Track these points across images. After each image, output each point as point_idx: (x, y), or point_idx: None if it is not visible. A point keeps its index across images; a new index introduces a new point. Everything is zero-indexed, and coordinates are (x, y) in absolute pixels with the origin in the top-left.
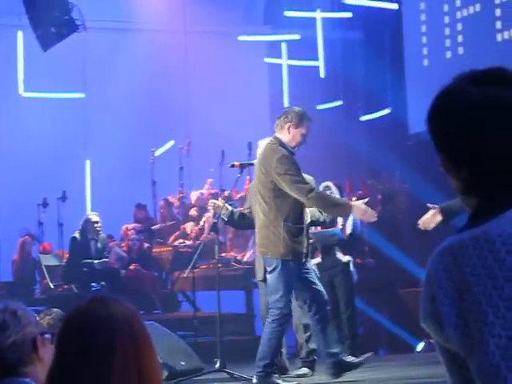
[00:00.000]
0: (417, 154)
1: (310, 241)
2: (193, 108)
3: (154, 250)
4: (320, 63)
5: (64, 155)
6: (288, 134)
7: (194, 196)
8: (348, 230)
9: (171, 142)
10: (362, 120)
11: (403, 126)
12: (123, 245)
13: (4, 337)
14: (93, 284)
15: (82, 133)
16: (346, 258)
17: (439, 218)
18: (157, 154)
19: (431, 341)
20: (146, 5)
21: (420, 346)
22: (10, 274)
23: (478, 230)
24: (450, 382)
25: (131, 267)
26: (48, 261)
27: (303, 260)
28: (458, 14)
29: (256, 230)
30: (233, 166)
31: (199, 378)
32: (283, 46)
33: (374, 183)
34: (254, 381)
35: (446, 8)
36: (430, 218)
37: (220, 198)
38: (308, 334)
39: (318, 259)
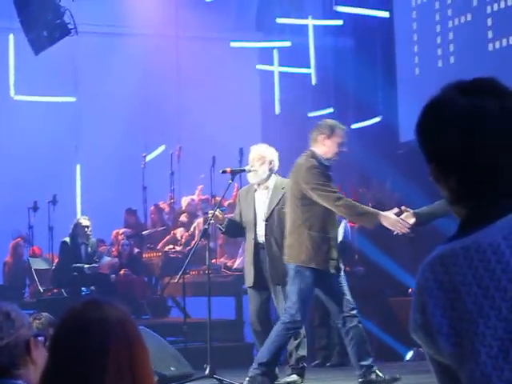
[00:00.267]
0: (408, 162)
1: None
2: (184, 113)
3: (144, 256)
4: (311, 70)
5: (55, 159)
6: (323, 146)
7: (184, 202)
8: (339, 238)
9: (162, 147)
10: (353, 128)
11: (394, 134)
12: (113, 250)
13: None
14: (82, 288)
15: (72, 137)
16: None
17: (412, 220)
18: (148, 159)
19: (420, 349)
20: (138, 9)
21: (409, 355)
22: (1, 276)
23: (469, 239)
24: None
25: (121, 272)
26: (38, 264)
27: (330, 270)
28: (450, 23)
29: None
30: (224, 172)
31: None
32: (275, 52)
33: (365, 191)
34: (247, 379)
35: (437, 17)
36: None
37: (218, 210)
38: (298, 341)
39: None
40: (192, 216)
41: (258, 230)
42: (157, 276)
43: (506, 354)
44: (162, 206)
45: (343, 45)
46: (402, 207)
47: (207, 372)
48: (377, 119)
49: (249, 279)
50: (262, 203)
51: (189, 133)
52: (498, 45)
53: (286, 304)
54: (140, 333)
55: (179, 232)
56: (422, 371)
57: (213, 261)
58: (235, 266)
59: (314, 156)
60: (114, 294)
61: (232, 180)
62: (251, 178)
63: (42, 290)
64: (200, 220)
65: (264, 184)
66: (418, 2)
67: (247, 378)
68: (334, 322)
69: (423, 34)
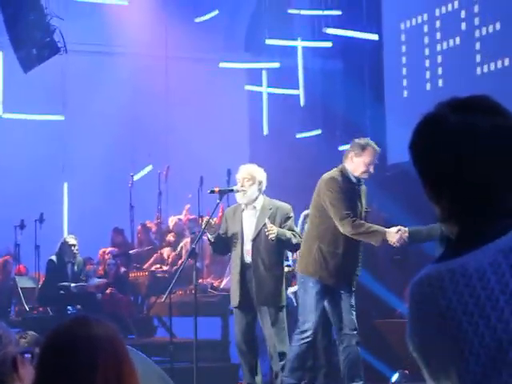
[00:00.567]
0: (395, 184)
1: (290, 269)
2: (172, 133)
3: (131, 275)
4: (300, 92)
5: (42, 177)
6: (352, 163)
7: (171, 221)
8: None
9: (149, 167)
10: (341, 149)
11: (382, 157)
12: (100, 268)
13: None
14: (68, 307)
15: (60, 155)
16: None
17: (406, 235)
18: (135, 178)
19: (406, 372)
20: (128, 29)
21: (395, 377)
22: None
23: (456, 262)
24: None
25: (107, 291)
26: (24, 283)
27: (335, 286)
28: (438, 47)
29: None
30: (212, 192)
31: None
32: (263, 73)
33: None
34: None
35: (426, 40)
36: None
37: (215, 219)
38: (283, 362)
39: (296, 287)
40: (179, 236)
41: (244, 249)
42: (143, 295)
43: (489, 380)
44: (149, 225)
45: (332, 67)
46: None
47: None
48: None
49: (234, 299)
50: (250, 223)
51: (177, 152)
52: (486, 69)
53: (299, 313)
54: (127, 350)
55: (166, 252)
56: None
57: (199, 281)
58: (222, 286)
59: (342, 171)
60: (100, 313)
61: (220, 200)
62: (240, 198)
63: (27, 309)
64: (187, 239)
65: (252, 204)
66: (407, 25)
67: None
68: (320, 343)
69: (412, 57)
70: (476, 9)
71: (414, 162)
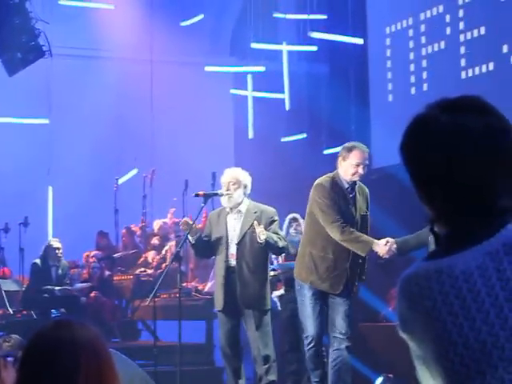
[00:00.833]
0: (379, 188)
1: (275, 273)
2: (157, 137)
3: (115, 278)
4: (285, 96)
5: (27, 180)
6: (341, 168)
7: (156, 225)
8: None
9: (135, 171)
10: (326, 153)
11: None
12: (84, 272)
13: None
14: (52, 310)
15: (45, 159)
16: None
17: (394, 247)
18: (120, 181)
19: (390, 375)
20: (113, 33)
21: (379, 381)
22: None
23: (443, 262)
24: None
25: (91, 295)
26: (8, 286)
27: (327, 291)
28: (423, 51)
29: None
30: (197, 195)
31: None
32: (249, 77)
33: None
34: None
35: (411, 44)
36: (386, 247)
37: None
38: (267, 365)
39: (281, 291)
40: (164, 239)
41: (229, 253)
42: (127, 299)
43: (473, 381)
44: (133, 228)
45: (317, 71)
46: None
47: None
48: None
49: (219, 302)
50: (235, 227)
51: (162, 156)
52: (470, 73)
53: (301, 321)
54: (110, 354)
55: (150, 255)
56: None
57: (184, 284)
58: (206, 290)
59: (334, 176)
60: (84, 317)
61: (204, 203)
62: (225, 201)
63: (11, 312)
64: (172, 243)
65: (237, 208)
66: (392, 29)
67: None
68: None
69: (397, 61)
70: (461, 13)
71: (404, 162)
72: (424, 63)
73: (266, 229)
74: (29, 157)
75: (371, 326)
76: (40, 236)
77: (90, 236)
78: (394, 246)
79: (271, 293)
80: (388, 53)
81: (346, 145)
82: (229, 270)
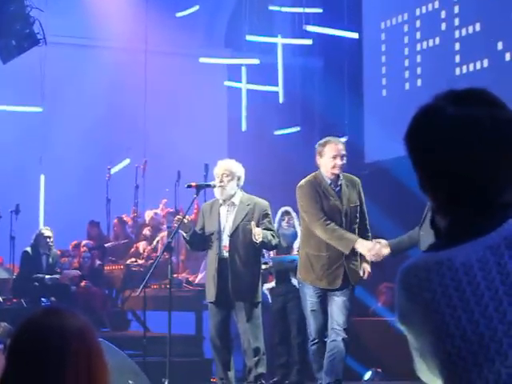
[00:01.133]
0: (372, 182)
1: (267, 266)
2: (151, 127)
3: (106, 268)
4: (279, 89)
5: (19, 169)
6: (321, 166)
7: (148, 215)
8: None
9: (127, 161)
10: None
11: (360, 155)
12: (75, 261)
13: None
14: (42, 299)
15: (38, 147)
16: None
17: (387, 251)
18: (113, 171)
19: (379, 370)
20: (108, 22)
21: (368, 375)
22: None
23: (444, 254)
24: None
25: (82, 284)
26: None
27: (326, 288)
28: (418, 46)
29: None
30: (189, 186)
31: None
32: (243, 69)
33: None
34: None
35: (406, 40)
36: (379, 249)
37: (187, 217)
38: (257, 358)
39: (272, 284)
40: (155, 230)
41: (222, 245)
42: (118, 289)
43: (470, 374)
44: (125, 218)
45: (312, 64)
46: (377, 240)
47: None
48: (343, 139)
49: (210, 294)
50: (228, 219)
51: (154, 147)
52: (465, 69)
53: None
54: (99, 343)
55: (142, 245)
56: None
57: (174, 275)
58: (197, 281)
59: (316, 175)
60: (74, 306)
61: (197, 195)
62: (218, 193)
63: (1, 300)
64: (164, 234)
65: (230, 200)
66: (387, 24)
67: None
68: (294, 340)
69: (391, 56)
70: (456, 9)
71: (409, 152)
72: (418, 58)
73: (258, 221)
74: (21, 145)
75: (361, 320)
76: (31, 224)
77: (81, 225)
78: (386, 250)
79: (262, 285)
80: (383, 48)
81: (320, 142)
82: (221, 261)
